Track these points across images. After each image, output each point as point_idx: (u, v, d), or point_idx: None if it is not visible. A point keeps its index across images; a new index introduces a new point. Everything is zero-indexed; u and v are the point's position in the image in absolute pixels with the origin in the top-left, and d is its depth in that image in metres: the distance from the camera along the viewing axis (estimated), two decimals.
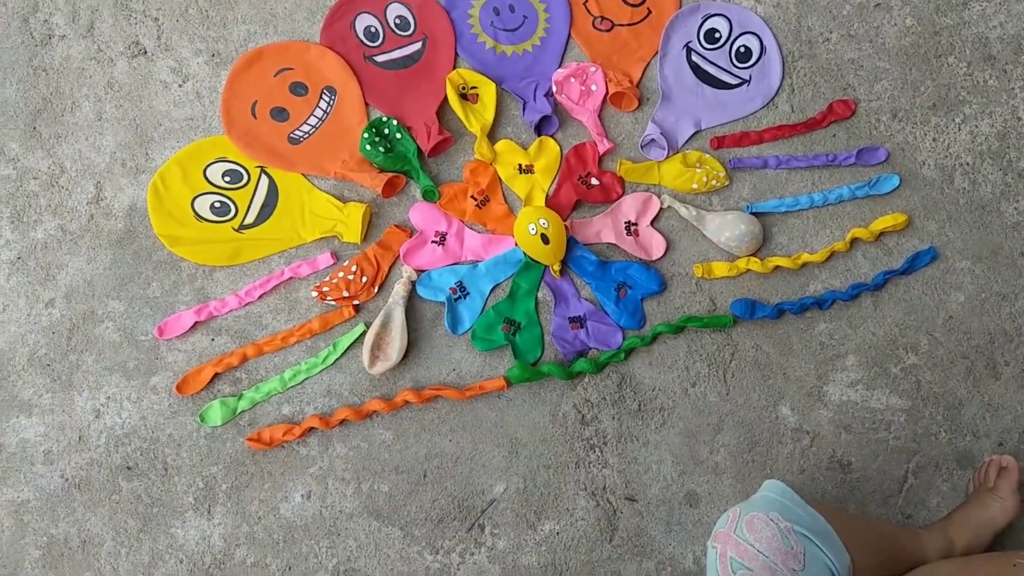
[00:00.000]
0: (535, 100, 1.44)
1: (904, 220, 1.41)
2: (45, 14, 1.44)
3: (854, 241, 1.41)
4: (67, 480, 1.28)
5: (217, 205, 1.38)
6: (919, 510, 1.32)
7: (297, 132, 1.42)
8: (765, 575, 0.90)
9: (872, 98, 1.48)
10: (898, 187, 1.44)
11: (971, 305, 1.39)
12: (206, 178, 1.39)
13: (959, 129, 1.46)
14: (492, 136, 1.44)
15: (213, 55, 1.44)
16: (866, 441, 1.34)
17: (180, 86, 1.43)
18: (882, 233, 1.41)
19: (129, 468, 1.28)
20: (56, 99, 1.41)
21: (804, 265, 1.39)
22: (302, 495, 1.28)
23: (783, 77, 1.48)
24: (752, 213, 1.41)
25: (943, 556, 1.17)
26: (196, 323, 1.33)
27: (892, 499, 1.32)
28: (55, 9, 1.44)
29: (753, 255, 1.40)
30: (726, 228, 1.37)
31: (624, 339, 1.36)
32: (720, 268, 1.39)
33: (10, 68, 1.42)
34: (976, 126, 1.47)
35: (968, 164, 1.45)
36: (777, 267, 1.39)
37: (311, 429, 1.29)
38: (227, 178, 1.39)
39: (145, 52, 1.44)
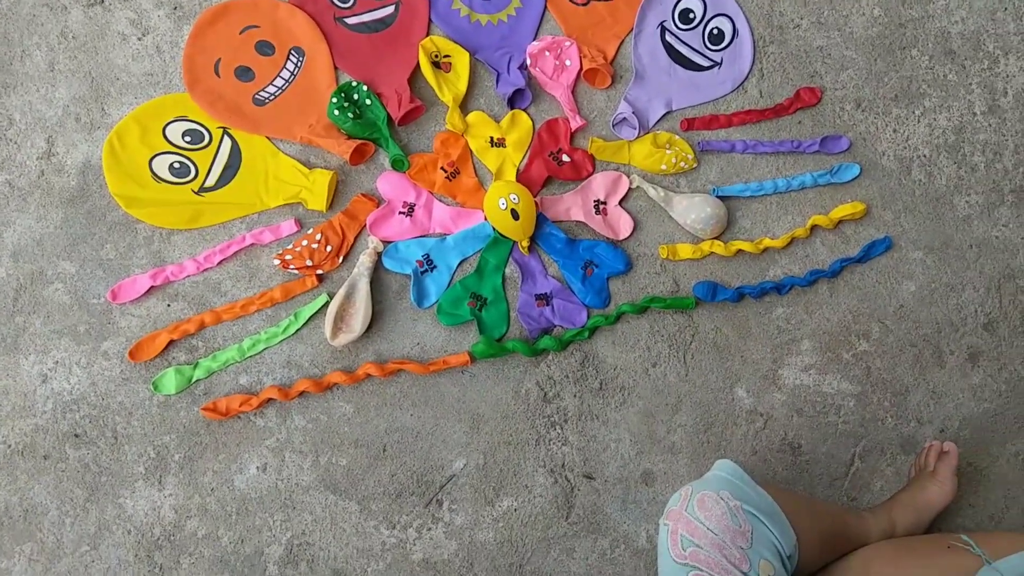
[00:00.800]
0: (509, 72, 1.25)
1: (862, 209, 1.26)
2: None
3: (814, 228, 1.26)
4: (10, 447, 1.07)
5: (176, 166, 1.17)
6: (864, 493, 1.20)
7: (263, 93, 1.21)
8: (714, 552, 0.81)
9: (838, 87, 1.32)
10: (858, 176, 1.28)
11: (921, 295, 1.26)
12: (165, 137, 1.17)
13: (918, 121, 1.32)
14: (464, 107, 1.24)
15: (175, 8, 1.21)
16: (816, 425, 1.20)
17: (139, 39, 1.20)
18: (841, 221, 1.26)
19: (77, 436, 1.09)
20: (4, 46, 1.17)
21: (765, 250, 1.24)
22: (257, 467, 1.11)
23: (753, 62, 1.31)
24: (718, 196, 1.25)
25: (886, 537, 1.06)
26: (152, 288, 1.12)
27: (839, 482, 1.20)
28: None
29: (717, 238, 1.24)
30: (692, 210, 1.21)
31: (589, 318, 1.20)
32: (685, 250, 1.23)
33: None
34: (934, 119, 1.32)
35: (925, 156, 1.30)
36: (739, 251, 1.23)
37: (269, 400, 1.11)
38: (187, 138, 1.18)
39: (102, 1, 1.20)
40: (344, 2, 1.24)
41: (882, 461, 1.21)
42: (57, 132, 1.16)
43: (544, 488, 1.15)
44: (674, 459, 1.18)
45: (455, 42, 1.24)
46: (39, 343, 1.10)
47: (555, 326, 1.19)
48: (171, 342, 1.11)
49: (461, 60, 1.24)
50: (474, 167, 1.23)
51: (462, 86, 1.23)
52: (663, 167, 1.23)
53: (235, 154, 1.18)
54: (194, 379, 1.11)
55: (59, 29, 1.18)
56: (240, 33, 1.21)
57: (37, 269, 1.12)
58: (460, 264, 1.20)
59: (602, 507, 1.15)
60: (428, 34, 1.25)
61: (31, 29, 1.17)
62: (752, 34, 1.31)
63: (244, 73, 1.20)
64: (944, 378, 1.24)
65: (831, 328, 1.24)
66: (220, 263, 1.15)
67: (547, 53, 1.25)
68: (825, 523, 0.99)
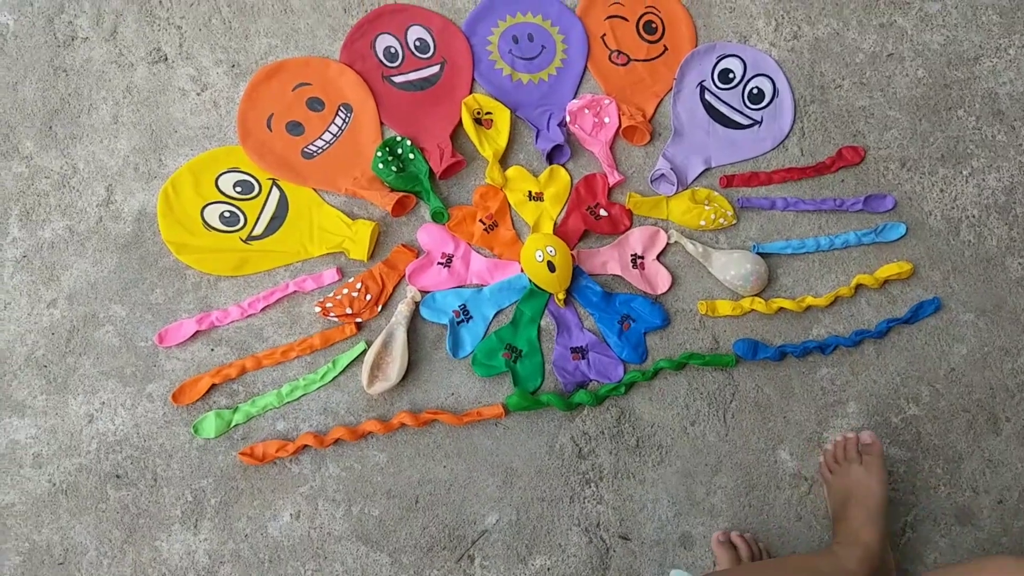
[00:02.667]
0: (548, 129, 1.29)
1: (909, 269, 1.25)
2: (70, 15, 1.28)
3: (859, 287, 1.25)
4: (55, 485, 1.11)
5: (227, 215, 1.22)
6: (915, 565, 1.15)
7: (311, 147, 1.26)
8: None
9: (881, 146, 1.32)
10: (904, 236, 1.28)
11: (974, 358, 1.23)
12: (217, 187, 1.23)
13: (966, 182, 1.31)
14: (504, 162, 1.28)
15: (233, 66, 1.29)
16: None
17: (198, 94, 1.27)
18: (887, 281, 1.25)
19: (118, 476, 1.12)
20: (74, 100, 1.25)
21: (808, 308, 1.23)
22: (291, 514, 1.12)
23: (794, 120, 1.32)
24: (758, 253, 1.25)
25: (867, 563, 1.01)
26: (197, 332, 1.16)
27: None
28: (80, 11, 1.29)
29: (758, 295, 1.24)
30: (732, 266, 1.22)
31: (625, 372, 1.20)
32: (724, 307, 1.23)
33: (31, 67, 1.26)
34: (983, 179, 1.31)
35: (974, 217, 1.29)
36: (781, 309, 1.22)
37: (305, 447, 1.12)
38: (238, 188, 1.24)
39: (166, 59, 1.28)
40: (392, 61, 1.30)
41: (935, 532, 1.16)
42: (117, 181, 1.22)
43: (578, 548, 1.13)
44: (714, 522, 1.15)
45: (497, 99, 1.29)
46: (87, 384, 1.15)
47: (591, 380, 1.20)
48: (213, 386, 1.14)
49: (502, 117, 1.28)
50: (512, 220, 1.26)
51: (502, 141, 1.27)
52: (702, 223, 1.24)
53: (282, 204, 1.23)
54: (233, 423, 1.14)
55: (125, 84, 1.26)
56: (293, 90, 1.27)
57: (90, 312, 1.17)
58: (496, 315, 1.22)
59: (638, 570, 1.12)
60: (471, 92, 1.30)
61: (100, 84, 1.26)
62: (793, 94, 1.33)
63: (295, 128, 1.26)
64: (1000, 446, 1.19)
65: (878, 391, 1.22)
66: (263, 310, 1.18)
67: (586, 111, 1.28)
68: None
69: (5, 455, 1.12)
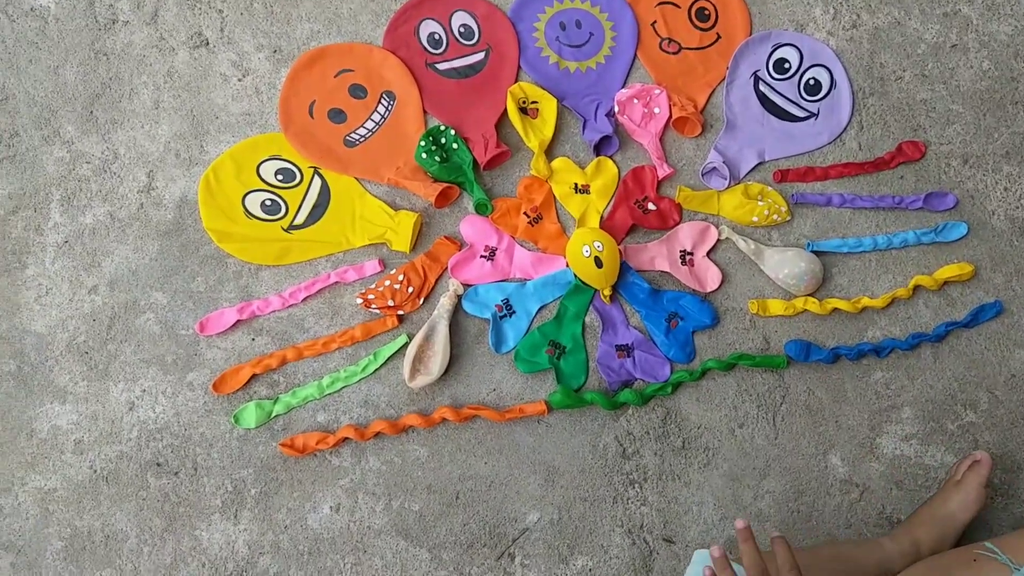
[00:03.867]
0: (596, 119, 1.25)
1: (970, 270, 1.21)
2: None
3: (917, 288, 1.21)
4: (96, 472, 1.11)
5: (268, 203, 1.21)
6: None
7: (354, 135, 1.24)
8: None
9: (943, 141, 1.27)
10: (966, 235, 1.23)
11: None
12: (259, 175, 1.22)
13: None
14: (550, 153, 1.25)
15: (275, 51, 1.27)
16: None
17: (239, 80, 1.26)
18: (946, 282, 1.21)
19: (159, 464, 1.11)
20: (115, 85, 1.24)
21: (863, 310, 1.19)
22: (331, 507, 1.11)
23: (852, 113, 1.28)
24: (813, 251, 1.21)
25: (910, 559, 1.00)
26: (238, 321, 1.15)
27: None
28: None
29: (811, 295, 1.20)
30: (785, 265, 1.18)
31: (672, 372, 1.17)
32: (776, 306, 1.20)
33: (72, 50, 1.25)
34: None
35: None
36: (835, 309, 1.19)
37: (345, 439, 1.11)
38: (280, 176, 1.22)
39: (207, 43, 1.27)
40: (436, 48, 1.28)
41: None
42: (158, 167, 1.21)
43: (621, 549, 1.11)
44: (760, 527, 1.12)
45: (543, 88, 1.26)
46: (128, 371, 1.14)
47: (636, 379, 1.17)
48: (253, 376, 1.14)
49: (548, 106, 1.25)
50: (557, 213, 1.24)
51: (548, 132, 1.24)
52: (754, 219, 1.21)
53: (324, 193, 1.22)
54: (273, 414, 1.13)
55: (166, 69, 1.25)
56: (335, 76, 1.25)
57: (131, 299, 1.17)
58: (539, 311, 1.19)
59: (682, 574, 1.10)
60: (516, 80, 1.27)
61: (140, 69, 1.25)
62: (851, 85, 1.28)
63: (337, 115, 1.24)
64: None
65: (935, 396, 1.18)
66: (304, 300, 1.17)
67: (636, 101, 1.25)
68: (832, 566, 0.95)
69: (47, 440, 1.12)
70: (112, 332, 1.15)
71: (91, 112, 1.23)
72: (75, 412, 1.13)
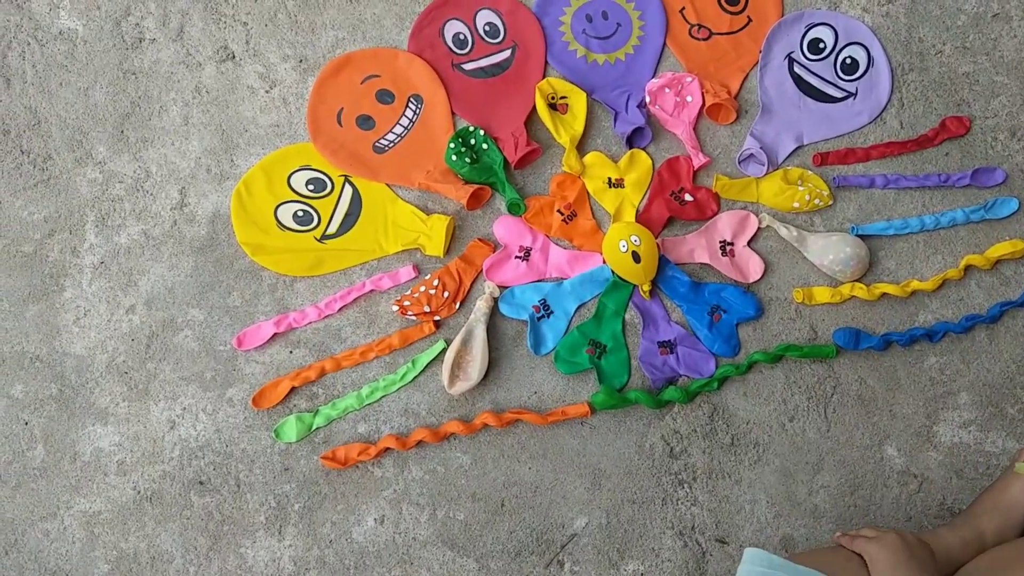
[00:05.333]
0: (627, 111, 1.21)
1: (1023, 247, 1.15)
2: (137, 17, 1.26)
3: (968, 268, 1.15)
4: (139, 492, 1.10)
5: (300, 214, 1.19)
6: None
7: (382, 141, 1.22)
8: None
9: (988, 115, 1.21)
10: (1017, 211, 1.17)
11: None
12: (290, 186, 1.20)
13: None
14: (581, 148, 1.21)
15: (301, 61, 1.25)
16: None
17: (267, 92, 1.24)
18: (999, 261, 1.15)
19: (202, 483, 1.10)
20: (144, 103, 1.23)
21: (913, 293, 1.14)
22: (375, 519, 1.08)
23: (892, 91, 1.22)
24: (858, 235, 1.16)
25: (974, 549, 0.92)
26: (275, 334, 1.13)
27: None
28: (147, 13, 1.26)
29: (858, 281, 1.15)
30: (829, 251, 1.13)
31: (717, 367, 1.12)
32: (822, 294, 1.14)
33: (101, 71, 1.24)
34: None
35: None
36: (884, 294, 1.13)
37: (387, 449, 1.09)
38: (311, 186, 1.20)
39: (233, 57, 1.25)
40: (461, 48, 1.25)
41: None
42: (189, 183, 1.20)
43: (672, 552, 1.07)
44: (816, 524, 1.08)
45: (572, 83, 1.22)
46: (168, 389, 1.13)
47: (680, 376, 1.13)
48: (293, 389, 1.12)
49: (578, 101, 1.21)
50: (591, 209, 1.20)
51: (579, 127, 1.20)
52: (795, 205, 1.16)
53: (356, 201, 1.19)
54: (314, 427, 1.11)
55: (194, 85, 1.24)
56: (362, 83, 1.23)
57: (168, 317, 1.15)
58: (578, 309, 1.16)
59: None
60: (544, 76, 1.24)
61: (168, 86, 1.23)
62: (889, 62, 1.23)
63: (365, 122, 1.22)
64: None
65: (992, 380, 1.12)
66: (340, 310, 1.15)
67: (667, 90, 1.21)
68: None
69: (90, 463, 1.11)
70: (151, 351, 1.14)
71: (122, 131, 1.22)
72: (117, 433, 1.12)
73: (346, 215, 1.19)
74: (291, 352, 1.14)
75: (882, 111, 1.21)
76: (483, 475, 1.09)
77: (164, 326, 1.15)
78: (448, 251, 1.17)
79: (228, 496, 1.09)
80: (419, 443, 1.09)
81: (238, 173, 1.20)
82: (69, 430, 1.12)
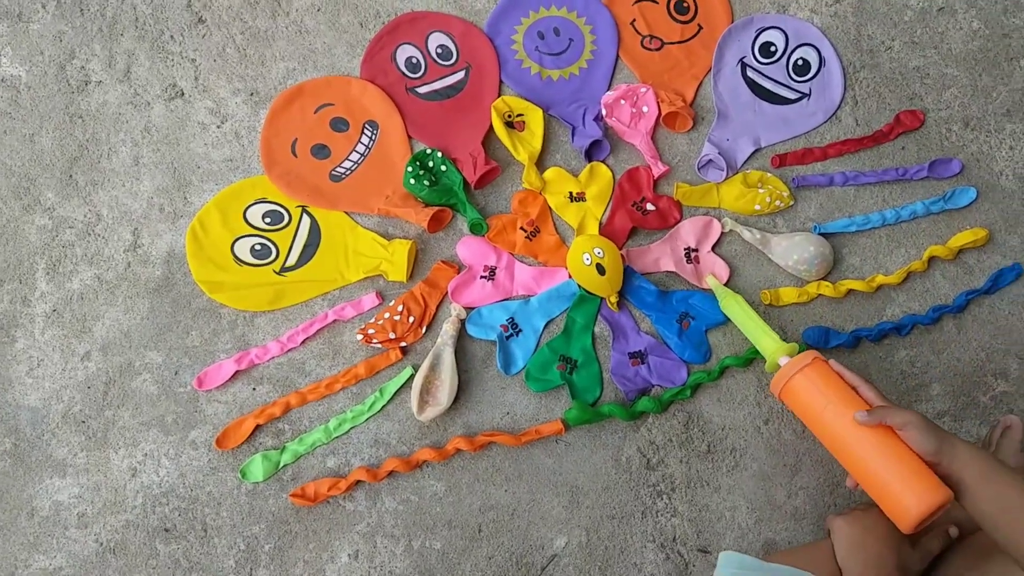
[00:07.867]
0: (584, 125, 1.20)
1: (984, 235, 1.14)
2: (82, 60, 1.23)
3: (932, 260, 1.14)
4: (102, 545, 1.04)
5: (258, 248, 1.16)
6: None
7: (339, 169, 1.19)
8: None
9: (941, 107, 1.21)
10: (975, 200, 1.17)
11: None
12: (246, 220, 1.17)
13: None
14: (541, 164, 1.20)
15: (252, 94, 1.23)
16: None
17: (218, 127, 1.21)
18: (961, 250, 1.15)
19: (167, 530, 1.05)
20: (93, 146, 1.20)
21: (879, 288, 1.13)
22: (349, 555, 1.04)
23: (845, 89, 1.22)
24: (820, 234, 1.15)
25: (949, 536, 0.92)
26: (236, 372, 1.09)
27: None
28: (92, 55, 1.24)
29: (824, 279, 1.14)
30: (793, 251, 1.12)
31: (689, 374, 1.10)
32: (789, 294, 1.13)
33: (47, 116, 1.21)
34: None
35: None
36: (850, 291, 1.12)
37: (358, 482, 1.05)
38: (267, 219, 1.17)
39: (182, 94, 1.22)
40: (415, 72, 1.23)
41: None
42: (142, 224, 1.17)
43: (655, 565, 1.03)
44: (798, 526, 1.05)
45: (527, 100, 1.21)
46: (128, 436, 1.08)
47: (653, 386, 1.10)
48: (257, 427, 1.08)
49: (534, 117, 1.20)
50: (554, 224, 1.18)
51: (537, 144, 1.19)
52: (757, 207, 1.14)
53: (314, 231, 1.16)
54: (281, 464, 1.07)
55: (143, 124, 1.21)
56: (315, 112, 1.21)
57: (125, 361, 1.11)
58: (546, 326, 1.13)
59: None
60: (499, 95, 1.22)
61: (117, 127, 1.21)
62: (841, 61, 1.23)
63: (320, 151, 1.19)
64: None
65: (963, 369, 1.11)
66: (303, 342, 1.11)
67: (623, 102, 1.20)
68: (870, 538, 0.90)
69: (49, 518, 1.06)
70: (108, 398, 1.10)
71: (70, 176, 1.19)
72: (76, 484, 1.07)
73: (305, 246, 1.16)
74: (254, 389, 1.10)
75: (836, 110, 1.21)
76: (458, 501, 1.06)
77: (121, 371, 1.11)
78: (411, 275, 1.15)
79: (195, 542, 1.04)
80: (391, 473, 1.06)
81: (192, 211, 1.17)
82: (26, 485, 1.07)
